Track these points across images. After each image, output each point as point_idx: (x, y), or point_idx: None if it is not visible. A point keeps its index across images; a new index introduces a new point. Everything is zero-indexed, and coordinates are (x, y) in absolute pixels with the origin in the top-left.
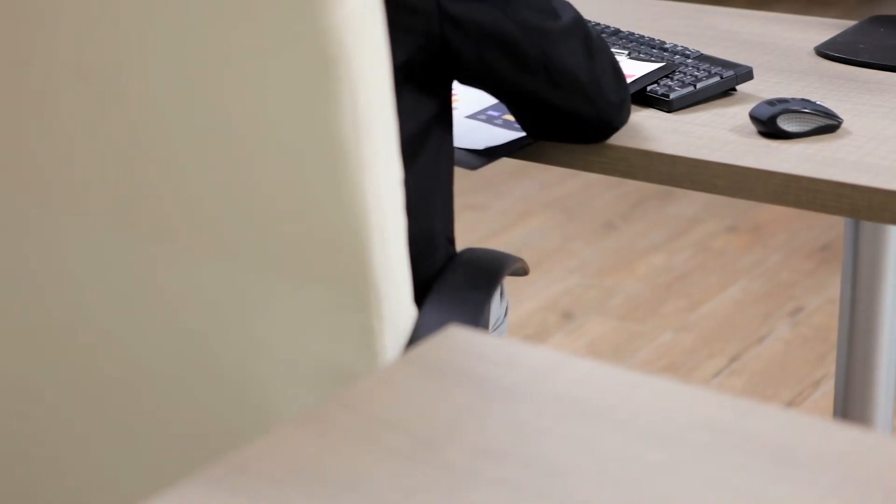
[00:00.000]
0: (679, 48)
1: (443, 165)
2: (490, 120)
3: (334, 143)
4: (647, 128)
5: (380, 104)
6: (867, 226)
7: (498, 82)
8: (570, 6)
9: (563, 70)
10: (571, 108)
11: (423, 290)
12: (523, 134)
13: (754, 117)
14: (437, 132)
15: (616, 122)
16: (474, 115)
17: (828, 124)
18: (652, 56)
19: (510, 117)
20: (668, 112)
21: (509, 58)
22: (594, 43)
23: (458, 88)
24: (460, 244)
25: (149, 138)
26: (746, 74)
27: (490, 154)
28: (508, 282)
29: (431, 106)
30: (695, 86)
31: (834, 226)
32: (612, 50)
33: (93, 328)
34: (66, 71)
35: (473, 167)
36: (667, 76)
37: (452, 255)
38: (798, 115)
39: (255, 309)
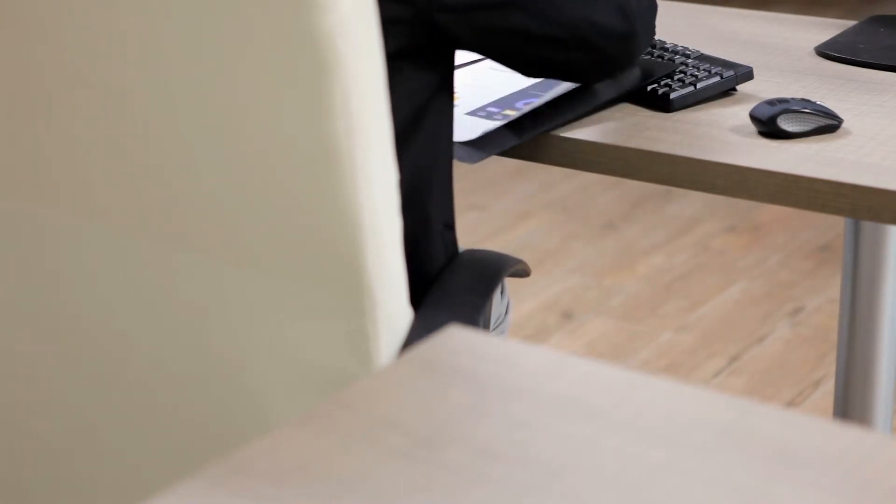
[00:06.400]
0: (679, 48)
1: (441, 147)
2: (490, 116)
3: (327, 147)
4: (647, 128)
5: (373, 108)
6: (867, 226)
7: (500, 52)
8: None
9: (562, 24)
10: (578, 57)
11: (420, 281)
12: (521, 134)
13: (754, 117)
14: (433, 113)
15: (630, 58)
16: (474, 111)
17: (828, 124)
18: (652, 56)
19: (510, 112)
20: (668, 112)
21: (504, 27)
22: None
23: (458, 87)
24: (460, 244)
25: (146, 143)
26: (746, 74)
27: (487, 148)
28: (508, 281)
29: (426, 87)
30: (695, 86)
31: (834, 226)
32: None
33: (98, 327)
34: (76, 79)
35: (472, 161)
36: (667, 76)
37: (453, 243)
38: (798, 115)
39: (253, 311)
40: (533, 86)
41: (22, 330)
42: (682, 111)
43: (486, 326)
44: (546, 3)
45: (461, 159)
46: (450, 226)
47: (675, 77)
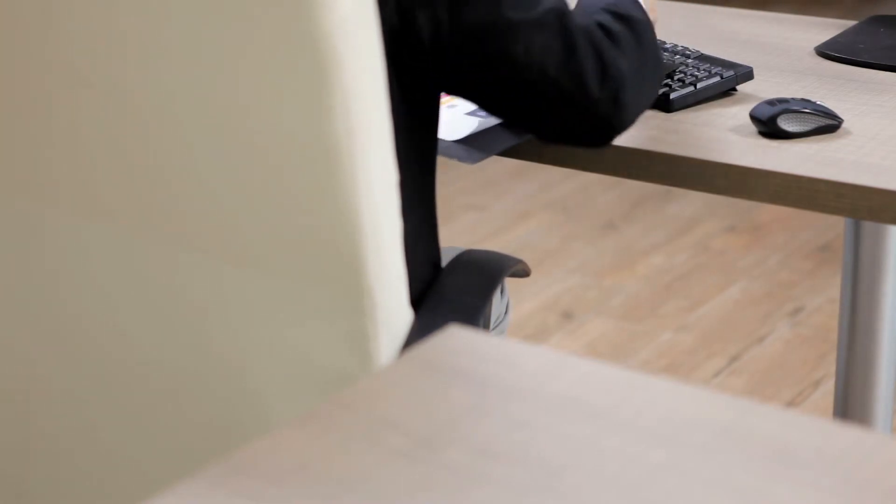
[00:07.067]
0: (679, 48)
1: (425, 180)
2: (489, 116)
3: (327, 147)
4: (647, 128)
5: (373, 108)
6: (867, 226)
7: (466, 85)
8: None
9: (530, 66)
10: (545, 107)
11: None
12: (521, 134)
13: (754, 117)
14: (416, 148)
15: (611, 119)
16: (474, 111)
17: (828, 124)
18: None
19: None
20: (668, 112)
21: (470, 57)
22: (574, 34)
23: None
24: (460, 244)
25: (146, 143)
26: (746, 74)
27: (487, 148)
28: (508, 281)
29: (407, 131)
30: (695, 86)
31: (834, 226)
32: None
33: (99, 327)
34: (76, 79)
35: (472, 161)
36: (667, 76)
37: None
38: (798, 115)
39: (253, 311)
40: None
41: (22, 329)
42: (682, 111)
43: (486, 327)
44: (512, 40)
45: (461, 159)
46: (436, 265)
47: (675, 77)
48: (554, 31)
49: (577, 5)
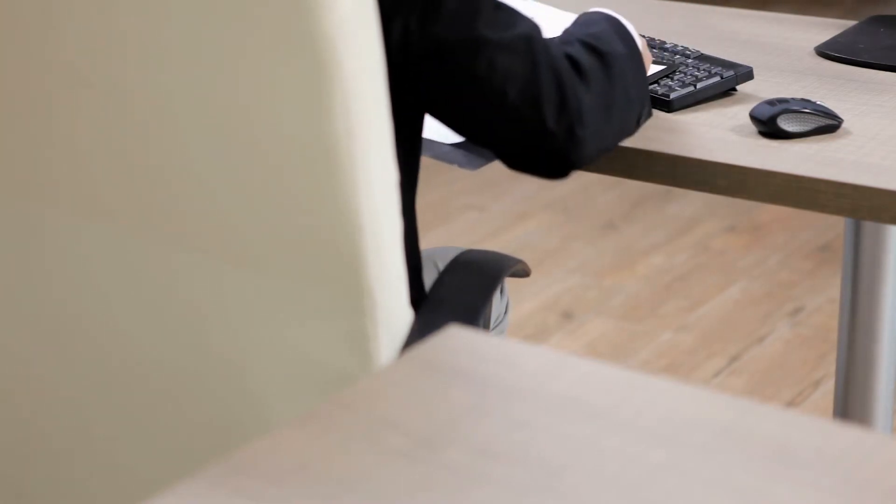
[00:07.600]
0: (679, 48)
1: (408, 185)
2: None
3: (327, 147)
4: (648, 128)
5: (373, 107)
6: (868, 226)
7: (428, 99)
8: (528, 21)
9: (491, 86)
10: (502, 131)
11: None
12: None
13: (754, 117)
14: (399, 155)
15: (567, 153)
16: None
17: (828, 124)
18: (652, 56)
19: None
20: (668, 112)
21: (434, 70)
22: (540, 62)
23: None
24: (460, 244)
25: (146, 143)
26: (746, 74)
27: (488, 154)
28: (508, 281)
29: (396, 124)
30: (695, 86)
31: (834, 226)
32: None
33: (98, 327)
34: (76, 79)
35: (473, 167)
36: (667, 76)
37: (420, 286)
38: (798, 115)
39: (253, 311)
40: None
41: (21, 330)
42: (682, 111)
43: (486, 327)
44: (478, 58)
45: (461, 165)
46: (416, 269)
47: (675, 77)
48: (520, 56)
49: (564, 31)
